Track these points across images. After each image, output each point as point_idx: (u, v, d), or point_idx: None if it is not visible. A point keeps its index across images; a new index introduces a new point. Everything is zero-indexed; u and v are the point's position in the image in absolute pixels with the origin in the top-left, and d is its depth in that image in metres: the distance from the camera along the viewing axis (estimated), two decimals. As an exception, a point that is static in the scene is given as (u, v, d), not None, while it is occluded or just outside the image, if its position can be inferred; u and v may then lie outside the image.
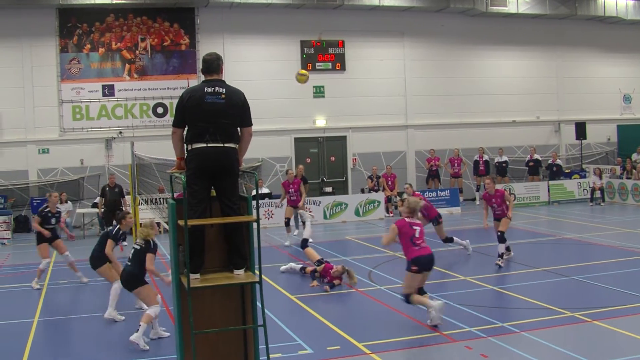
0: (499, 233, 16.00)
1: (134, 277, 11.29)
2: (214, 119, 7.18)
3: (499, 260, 15.67)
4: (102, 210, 22.52)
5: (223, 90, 7.30)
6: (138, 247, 11.33)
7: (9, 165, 25.45)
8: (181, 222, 6.98)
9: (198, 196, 7.17)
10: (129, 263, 11.39)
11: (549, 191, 27.94)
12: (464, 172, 29.09)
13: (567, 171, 30.09)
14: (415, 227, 11.47)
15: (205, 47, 26.30)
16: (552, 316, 11.36)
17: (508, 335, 10.51)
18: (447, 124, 29.86)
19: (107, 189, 22.51)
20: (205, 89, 7.26)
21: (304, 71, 19.24)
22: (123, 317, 12.36)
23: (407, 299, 11.40)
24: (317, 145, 28.63)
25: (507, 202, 16.09)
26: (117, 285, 12.35)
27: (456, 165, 28.88)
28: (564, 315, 11.28)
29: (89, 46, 26.10)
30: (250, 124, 7.50)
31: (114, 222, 13.41)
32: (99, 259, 12.92)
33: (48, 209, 15.87)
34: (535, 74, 31.39)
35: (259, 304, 7.39)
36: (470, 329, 10.82)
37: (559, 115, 31.77)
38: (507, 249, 16.22)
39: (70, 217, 23.66)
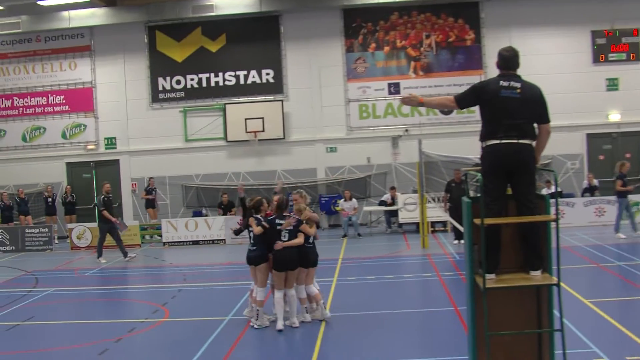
0: None
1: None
2: (508, 114, 6.98)
3: None
4: (448, 206, 21.32)
5: (518, 85, 7.11)
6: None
7: (298, 163, 26.92)
8: (477, 221, 6.87)
9: (493, 194, 7.02)
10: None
11: None
12: None
13: None
14: None
15: (490, 42, 25.96)
16: None
17: None
18: None
19: (453, 184, 21.37)
20: (501, 82, 7.10)
21: None
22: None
23: None
24: (611, 141, 27.04)
25: None
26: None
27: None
28: None
29: (374, 45, 26.82)
30: (548, 121, 7.19)
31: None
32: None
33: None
34: None
35: (555, 308, 7.09)
36: None
37: None
38: None
39: (356, 215, 24.27)
